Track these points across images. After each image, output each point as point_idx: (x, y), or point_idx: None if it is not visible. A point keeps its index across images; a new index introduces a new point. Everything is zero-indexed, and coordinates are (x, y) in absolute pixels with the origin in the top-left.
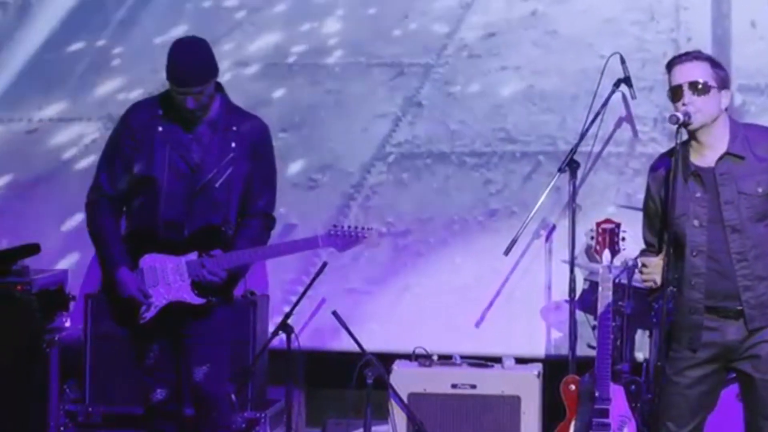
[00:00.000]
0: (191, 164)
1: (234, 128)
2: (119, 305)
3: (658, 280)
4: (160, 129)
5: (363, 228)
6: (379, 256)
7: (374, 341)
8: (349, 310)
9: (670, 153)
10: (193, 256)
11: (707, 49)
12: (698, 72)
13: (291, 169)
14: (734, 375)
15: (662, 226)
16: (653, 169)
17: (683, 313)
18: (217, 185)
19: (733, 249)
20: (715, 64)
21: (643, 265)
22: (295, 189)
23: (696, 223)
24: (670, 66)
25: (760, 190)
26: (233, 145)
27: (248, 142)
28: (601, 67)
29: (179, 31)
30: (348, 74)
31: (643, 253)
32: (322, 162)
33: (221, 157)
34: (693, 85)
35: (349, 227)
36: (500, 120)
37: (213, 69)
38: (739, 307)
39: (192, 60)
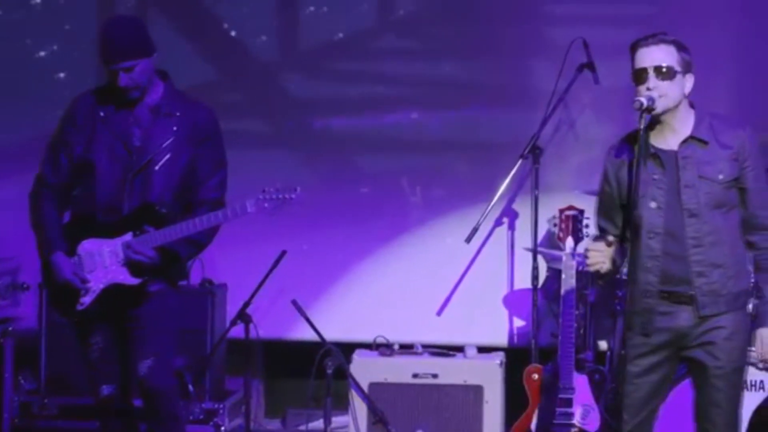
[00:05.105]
0: (130, 147)
1: (177, 114)
2: (58, 293)
3: (605, 266)
4: (102, 114)
5: (289, 188)
6: (339, 244)
7: (334, 330)
8: (309, 299)
9: (629, 139)
10: (128, 236)
11: None
12: (664, 56)
13: None
14: (685, 371)
15: (619, 210)
16: (611, 153)
17: (636, 297)
18: (156, 168)
19: (689, 234)
20: (680, 47)
21: (589, 250)
22: None
23: (653, 205)
24: (634, 47)
25: (721, 177)
26: (174, 129)
27: (191, 127)
28: None
29: None
30: None
31: (596, 238)
32: None
33: (161, 141)
34: (658, 69)
35: (276, 190)
36: None
37: (143, 45)
38: (691, 293)
39: (120, 35)
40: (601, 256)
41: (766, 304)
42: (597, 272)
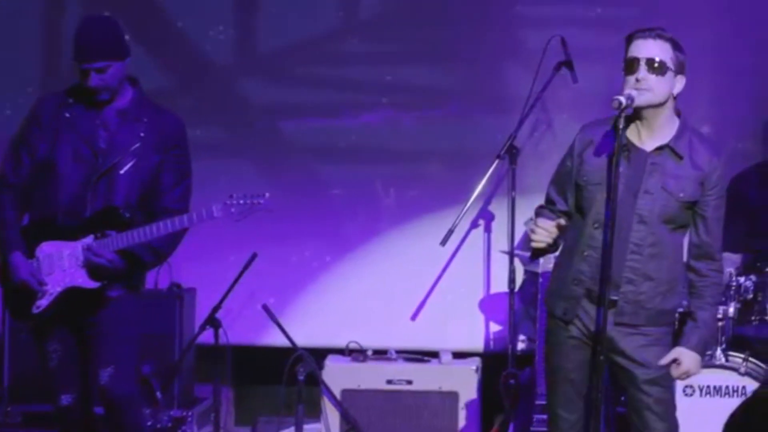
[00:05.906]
0: (96, 150)
1: (145, 120)
2: (13, 295)
3: (544, 245)
4: (67, 115)
5: (257, 194)
6: (311, 248)
7: (306, 335)
8: (280, 304)
9: (609, 126)
10: (89, 239)
11: None
12: (658, 50)
13: None
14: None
15: (573, 188)
16: (583, 130)
17: (565, 281)
18: (121, 172)
19: (632, 238)
20: (676, 46)
21: (539, 227)
22: None
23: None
24: (629, 38)
25: (681, 195)
26: (141, 134)
27: (158, 134)
28: None
29: None
30: None
31: (541, 209)
32: None
33: (127, 146)
34: (650, 62)
35: (244, 195)
36: None
37: (117, 47)
38: (614, 298)
39: (94, 34)
40: (547, 236)
41: (696, 328)
42: (534, 248)
